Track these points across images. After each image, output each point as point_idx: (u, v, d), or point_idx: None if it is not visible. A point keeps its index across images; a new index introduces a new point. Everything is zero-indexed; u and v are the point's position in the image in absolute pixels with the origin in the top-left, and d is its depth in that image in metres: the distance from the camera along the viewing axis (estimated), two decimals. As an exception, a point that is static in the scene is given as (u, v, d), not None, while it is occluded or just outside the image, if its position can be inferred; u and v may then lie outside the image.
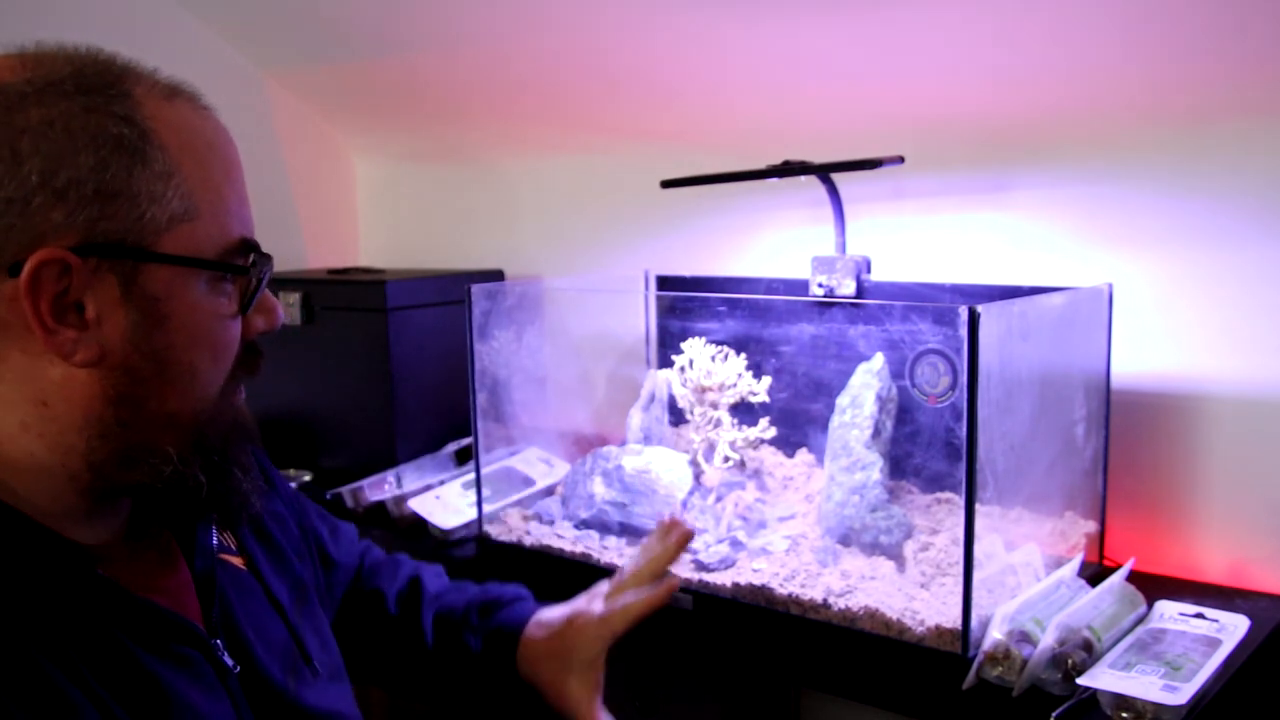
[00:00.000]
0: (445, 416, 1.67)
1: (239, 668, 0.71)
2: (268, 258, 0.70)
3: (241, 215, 0.69)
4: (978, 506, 1.00)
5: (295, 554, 0.87)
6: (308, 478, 1.70)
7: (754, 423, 1.34)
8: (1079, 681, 0.94)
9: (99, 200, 0.61)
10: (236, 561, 0.79)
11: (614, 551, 1.28)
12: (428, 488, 1.52)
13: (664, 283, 1.56)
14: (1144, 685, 0.92)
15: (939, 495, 1.27)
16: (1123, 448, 1.26)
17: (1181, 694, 0.90)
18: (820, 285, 1.36)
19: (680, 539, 0.94)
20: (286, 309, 1.71)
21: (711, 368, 1.36)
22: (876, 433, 1.22)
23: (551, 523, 1.36)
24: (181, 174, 0.64)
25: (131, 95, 0.64)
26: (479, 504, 1.39)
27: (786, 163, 1.32)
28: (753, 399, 1.35)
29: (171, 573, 0.72)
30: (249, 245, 0.69)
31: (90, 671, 0.61)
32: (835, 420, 1.26)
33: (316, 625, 0.84)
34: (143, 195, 0.63)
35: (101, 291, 0.62)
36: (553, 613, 0.96)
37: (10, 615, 0.59)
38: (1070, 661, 0.97)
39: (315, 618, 0.84)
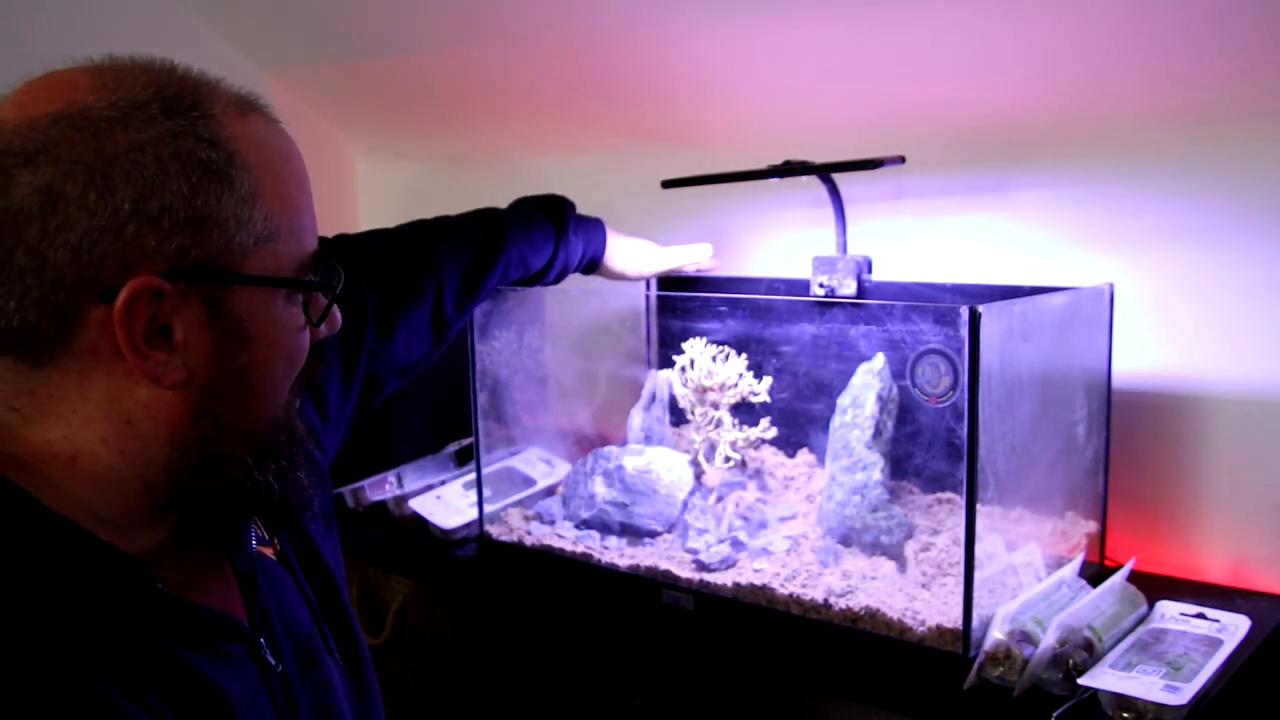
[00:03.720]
0: (445, 416, 1.67)
1: (281, 667, 0.72)
2: (338, 268, 0.71)
3: (313, 228, 0.70)
4: (979, 506, 1.00)
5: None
6: (308, 478, 1.70)
7: (755, 423, 1.34)
8: (1080, 682, 0.94)
9: (190, 227, 0.61)
10: (268, 552, 0.79)
11: (615, 551, 1.28)
12: (428, 488, 1.52)
13: (664, 283, 1.56)
14: (1145, 685, 0.92)
15: (940, 495, 1.27)
16: (1123, 448, 1.26)
17: (1182, 694, 0.90)
18: (821, 285, 1.36)
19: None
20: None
21: (712, 368, 1.36)
22: (877, 433, 1.22)
23: (552, 523, 1.36)
24: (264, 195, 0.65)
25: (212, 115, 0.63)
26: (480, 504, 1.39)
27: (787, 163, 1.32)
28: (754, 399, 1.35)
29: (216, 573, 0.73)
30: (320, 258, 0.70)
31: (144, 681, 0.61)
32: (836, 420, 1.26)
33: (343, 616, 0.84)
34: (230, 220, 0.63)
35: (189, 315, 0.63)
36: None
37: (66, 631, 0.59)
38: (1071, 661, 0.97)
39: (343, 607, 0.84)
